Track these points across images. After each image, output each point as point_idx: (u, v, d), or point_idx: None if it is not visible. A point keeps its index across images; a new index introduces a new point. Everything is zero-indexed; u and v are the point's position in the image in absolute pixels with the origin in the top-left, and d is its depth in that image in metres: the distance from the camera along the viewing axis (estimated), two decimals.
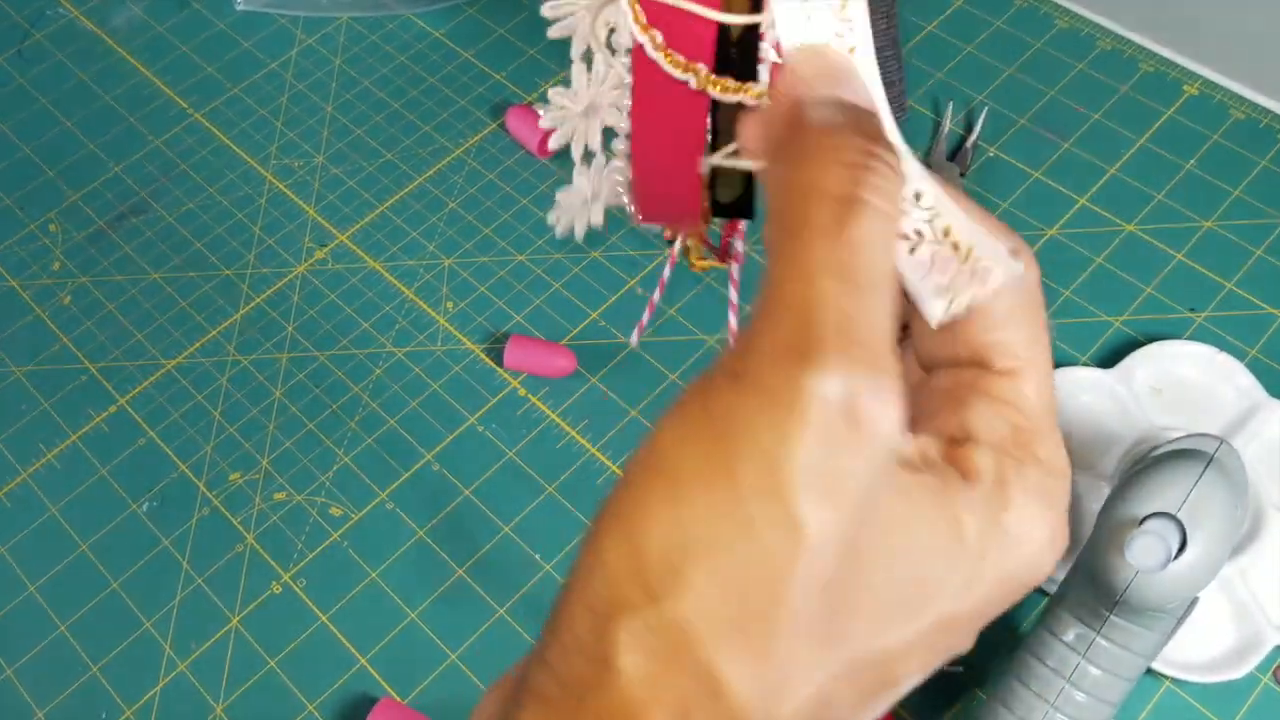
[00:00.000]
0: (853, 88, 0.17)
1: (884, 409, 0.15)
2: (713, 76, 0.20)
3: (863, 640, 0.15)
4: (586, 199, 0.26)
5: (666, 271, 0.29)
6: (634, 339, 0.35)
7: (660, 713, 0.15)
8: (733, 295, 0.27)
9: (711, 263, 0.27)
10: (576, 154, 0.25)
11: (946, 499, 0.16)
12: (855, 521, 0.15)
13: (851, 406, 0.14)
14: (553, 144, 0.26)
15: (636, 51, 0.21)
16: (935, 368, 0.18)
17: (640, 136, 0.22)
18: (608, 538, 0.16)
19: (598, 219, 0.26)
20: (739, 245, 0.26)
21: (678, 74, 0.20)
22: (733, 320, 0.27)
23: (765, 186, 0.17)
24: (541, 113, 0.25)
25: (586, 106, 0.24)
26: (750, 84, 0.20)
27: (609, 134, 0.24)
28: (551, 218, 0.27)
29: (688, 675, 0.15)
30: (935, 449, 0.17)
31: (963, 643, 0.17)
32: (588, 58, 0.23)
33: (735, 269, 0.26)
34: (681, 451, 0.15)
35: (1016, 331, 0.18)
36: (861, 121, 0.16)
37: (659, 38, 0.20)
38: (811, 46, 0.19)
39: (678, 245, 0.27)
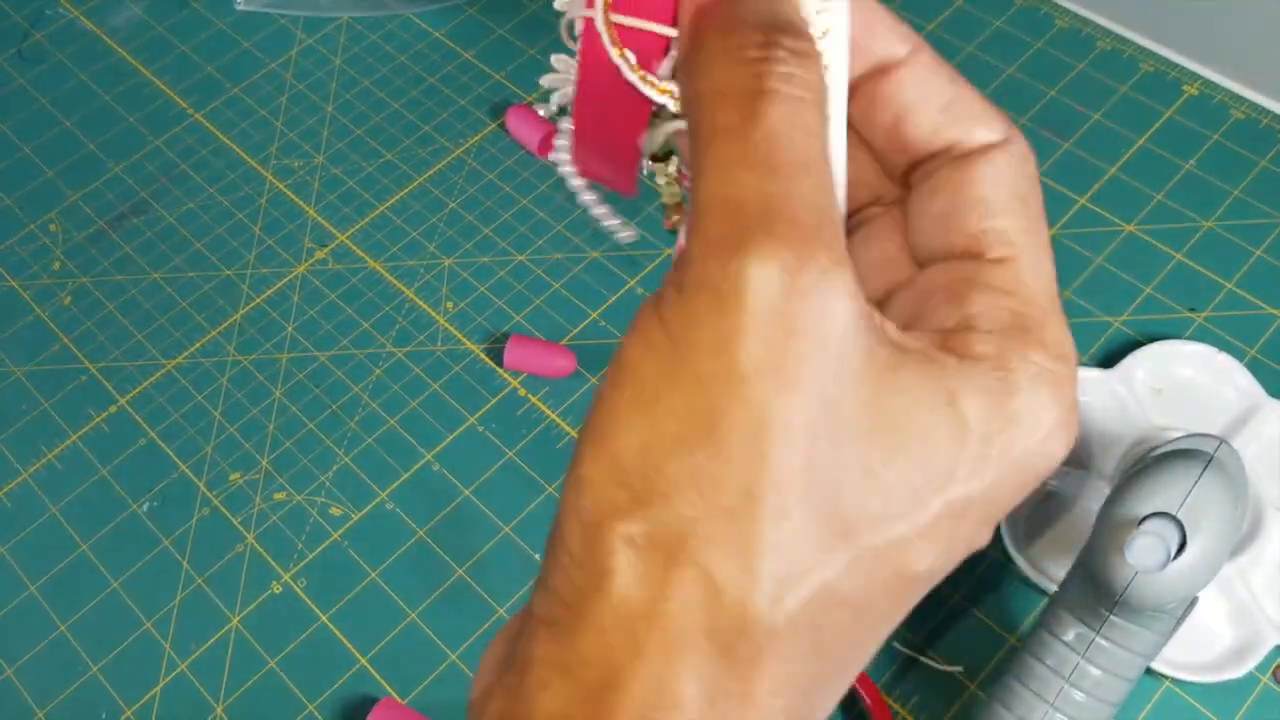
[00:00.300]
0: None
1: (830, 283, 0.14)
2: (642, 72, 0.20)
3: (867, 531, 0.15)
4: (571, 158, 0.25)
5: (678, 247, 0.28)
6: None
7: (660, 615, 0.15)
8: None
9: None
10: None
11: (939, 379, 0.16)
12: (823, 402, 0.14)
13: (791, 286, 0.14)
14: (554, 104, 0.25)
15: (587, 25, 0.20)
16: (929, 262, 0.18)
17: (582, 105, 0.21)
18: (587, 451, 0.16)
19: (578, 184, 0.25)
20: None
21: (614, 55, 0.19)
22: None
23: (679, 77, 0.17)
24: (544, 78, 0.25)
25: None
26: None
27: None
28: (552, 157, 0.26)
29: (684, 573, 0.15)
30: (927, 339, 0.16)
31: (979, 533, 0.16)
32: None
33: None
34: (644, 361, 0.15)
35: (1011, 219, 0.17)
36: (760, 11, 0.16)
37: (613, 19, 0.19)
38: None
39: (682, 235, 0.27)
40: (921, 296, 0.18)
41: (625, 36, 0.19)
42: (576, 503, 0.16)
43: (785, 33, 0.16)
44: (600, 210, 0.25)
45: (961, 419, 0.16)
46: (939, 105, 0.19)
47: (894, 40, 0.18)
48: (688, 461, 0.15)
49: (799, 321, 0.14)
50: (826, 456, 0.15)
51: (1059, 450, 0.16)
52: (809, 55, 0.16)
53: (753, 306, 0.14)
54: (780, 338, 0.14)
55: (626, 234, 0.25)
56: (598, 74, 0.20)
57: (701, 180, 0.15)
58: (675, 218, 0.26)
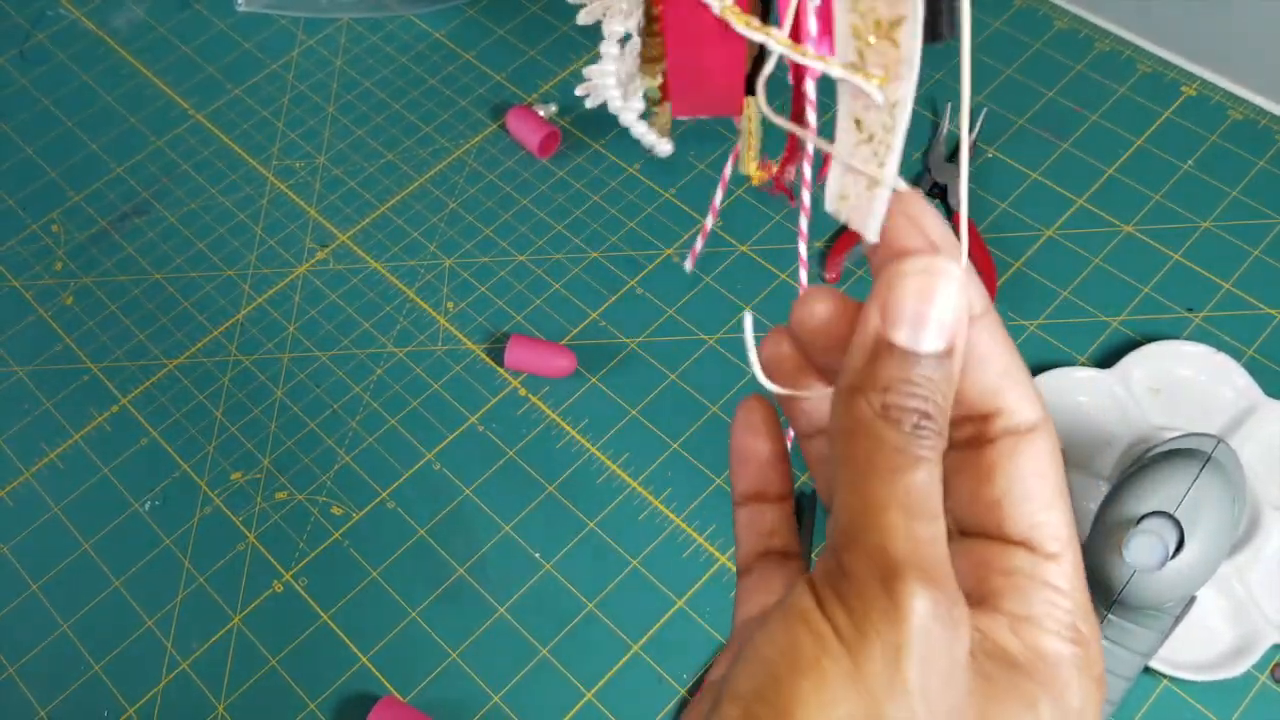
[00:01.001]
0: (937, 311, 0.19)
1: (960, 614, 0.18)
2: (735, 7, 0.20)
3: None
4: (620, 80, 0.25)
5: (719, 195, 0.28)
6: (689, 264, 0.34)
7: None
8: (802, 250, 0.26)
9: (767, 177, 0.26)
10: (610, 30, 0.24)
11: (1023, 687, 0.19)
12: (955, 713, 0.18)
13: (937, 616, 0.18)
14: (581, 19, 0.25)
15: None
16: (973, 532, 0.21)
17: (675, 21, 0.22)
18: (763, 712, 0.18)
19: (623, 105, 0.25)
20: (801, 175, 0.25)
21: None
22: (803, 276, 0.26)
23: (835, 404, 0.20)
24: None
25: None
26: (772, 29, 0.20)
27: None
28: (580, 91, 0.26)
29: None
30: (1008, 639, 0.20)
31: None
32: None
33: (804, 221, 0.26)
34: (822, 659, 0.18)
35: (1059, 513, 0.20)
36: (932, 387, 0.19)
37: None
38: (937, 274, 0.19)
39: (729, 166, 0.26)
40: (980, 572, 0.20)
41: None
42: None
43: (935, 419, 0.19)
44: (640, 128, 0.25)
45: (1037, 714, 0.19)
46: (999, 369, 0.20)
47: (976, 294, 0.20)
48: None
49: (941, 645, 0.18)
50: None
51: None
52: (944, 433, 0.19)
53: (913, 630, 0.18)
54: (930, 657, 0.18)
55: (665, 148, 0.26)
56: (685, 18, 0.21)
57: (861, 506, 0.18)
58: (760, 174, 0.26)
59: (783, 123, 0.22)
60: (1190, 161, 0.62)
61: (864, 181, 0.22)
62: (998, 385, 0.20)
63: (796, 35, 0.21)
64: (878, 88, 0.20)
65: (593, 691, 0.49)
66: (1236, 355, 0.55)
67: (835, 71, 0.20)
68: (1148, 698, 0.48)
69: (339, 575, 0.53)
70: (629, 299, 0.60)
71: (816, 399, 0.23)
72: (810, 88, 0.22)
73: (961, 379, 0.20)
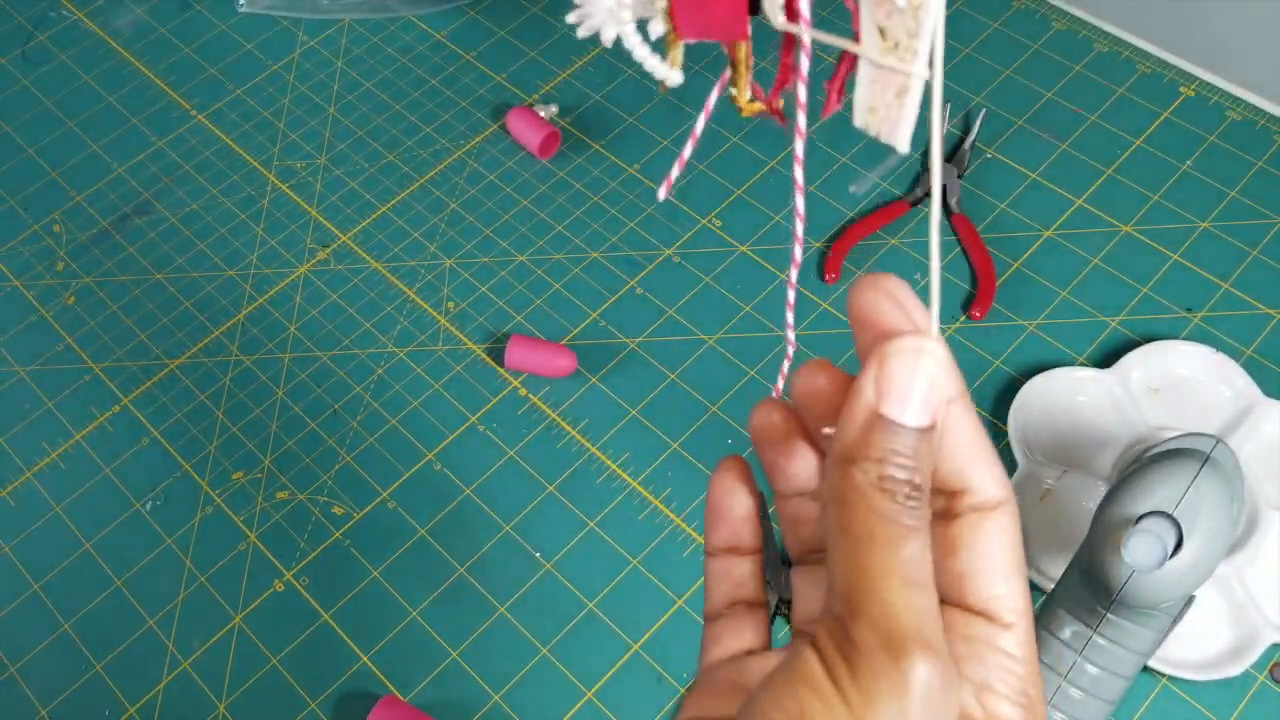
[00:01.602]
0: (924, 388, 0.21)
1: (953, 682, 0.20)
2: None
3: None
4: (611, 7, 0.24)
5: (700, 123, 0.26)
6: (661, 192, 0.33)
7: None
8: (798, 176, 0.25)
9: (760, 106, 0.25)
10: None
11: None
12: None
13: (936, 684, 0.19)
14: None
15: None
16: (944, 603, 0.22)
17: None
18: None
19: (624, 31, 0.24)
20: (795, 113, 0.24)
21: None
22: (799, 202, 0.26)
23: (830, 471, 0.21)
24: None
25: None
26: None
27: None
28: (572, 17, 0.25)
29: None
30: (972, 704, 0.21)
31: None
32: None
33: (800, 145, 0.25)
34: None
35: (1016, 584, 0.22)
36: (919, 460, 0.20)
37: None
38: (922, 354, 0.20)
39: (714, 94, 0.25)
40: (945, 637, 0.22)
41: None
42: None
43: (922, 490, 0.20)
44: (644, 52, 0.24)
45: None
46: (969, 448, 0.21)
47: (953, 376, 0.21)
48: None
49: (940, 711, 0.19)
50: None
51: None
52: (928, 504, 0.20)
53: (916, 698, 0.19)
54: (931, 716, 0.19)
55: (673, 77, 0.25)
56: None
57: (863, 580, 0.20)
58: (751, 106, 0.25)
59: (794, 28, 0.22)
60: (1189, 162, 0.63)
61: (892, 90, 0.22)
62: (966, 463, 0.21)
63: None
64: None
65: (593, 691, 0.49)
66: (1235, 355, 0.55)
67: None
68: (1146, 697, 0.48)
69: (340, 575, 0.53)
70: (629, 299, 0.60)
71: (800, 466, 0.24)
72: (804, 3, 0.22)
73: (936, 455, 0.21)
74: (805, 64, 0.23)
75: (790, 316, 0.26)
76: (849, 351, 0.57)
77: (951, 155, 0.63)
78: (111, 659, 0.51)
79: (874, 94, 0.22)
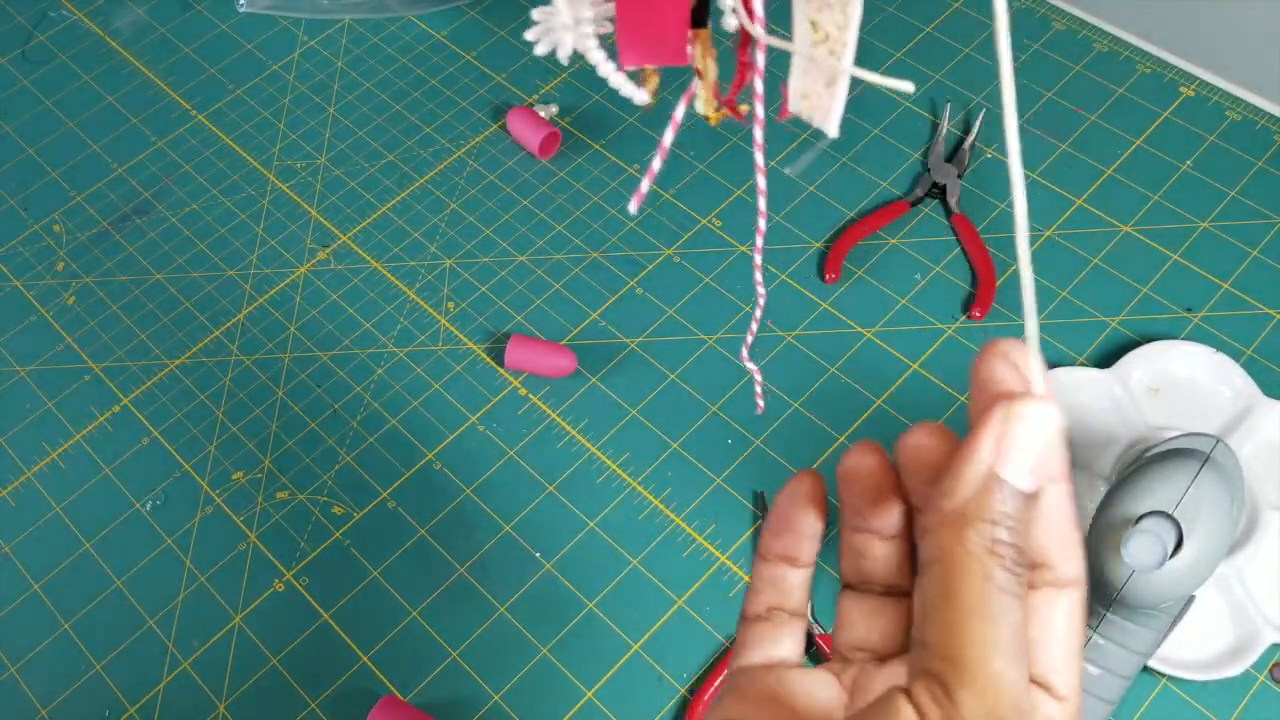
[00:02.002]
0: (1043, 454, 0.21)
1: None
2: None
3: None
4: (568, 24, 0.25)
5: (668, 135, 0.27)
6: (633, 205, 0.34)
7: None
8: (759, 159, 0.27)
9: (724, 114, 0.27)
10: None
11: None
12: None
13: None
14: None
15: None
16: None
17: (623, 8, 0.23)
18: None
19: (584, 46, 0.25)
20: (753, 104, 0.26)
21: None
22: (760, 181, 0.28)
23: (939, 527, 0.21)
24: None
25: None
26: None
27: None
28: (530, 35, 0.26)
29: None
30: None
31: None
32: None
33: (759, 132, 0.26)
34: None
35: (1075, 665, 0.22)
36: (1021, 527, 0.20)
37: None
38: (1038, 422, 0.20)
39: (681, 106, 0.26)
40: None
41: None
42: None
43: (1023, 556, 0.20)
44: (609, 69, 0.26)
45: None
46: (1058, 521, 0.22)
47: (1062, 456, 0.21)
48: None
49: None
50: None
51: None
52: (1027, 569, 0.21)
53: None
54: None
55: (640, 96, 0.26)
56: None
57: (970, 646, 0.20)
58: (716, 114, 0.27)
59: (740, 20, 0.23)
60: (1189, 162, 0.63)
61: (823, 79, 0.23)
62: (1053, 540, 0.22)
63: None
64: None
65: (593, 691, 0.49)
66: (1235, 355, 0.55)
67: None
68: (1146, 697, 0.48)
69: (340, 575, 0.53)
70: (629, 299, 0.60)
71: (883, 514, 0.25)
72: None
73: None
74: (761, 59, 0.24)
75: (759, 274, 0.28)
76: (849, 351, 0.57)
77: (951, 155, 0.63)
78: (111, 659, 0.51)
79: (806, 83, 0.24)
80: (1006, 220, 0.61)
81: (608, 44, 0.25)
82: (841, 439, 0.55)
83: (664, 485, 0.54)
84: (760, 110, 0.25)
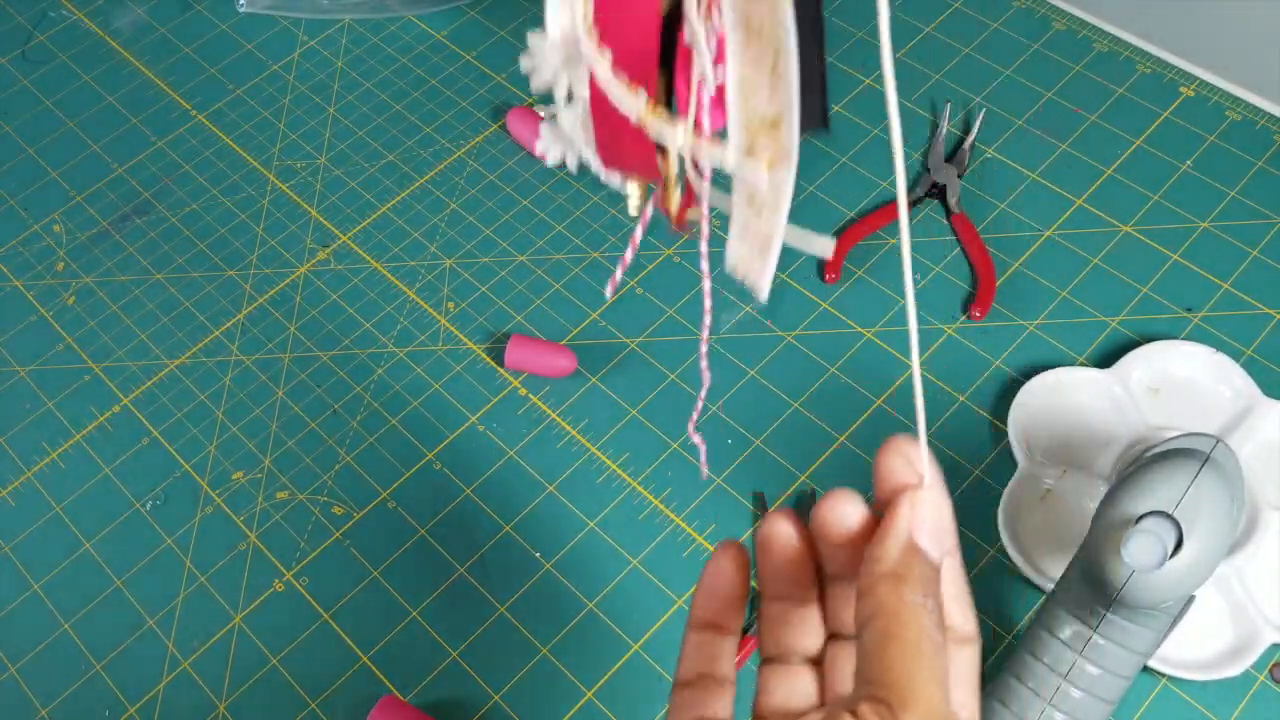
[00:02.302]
0: (946, 528, 0.26)
1: None
2: (653, 106, 0.24)
3: None
4: (574, 140, 0.29)
5: (638, 232, 0.32)
6: (608, 291, 0.38)
7: None
8: (704, 265, 0.31)
9: (691, 218, 0.30)
10: (559, 95, 0.28)
11: None
12: None
13: None
14: (534, 87, 0.28)
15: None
16: None
17: (598, 106, 0.26)
18: None
19: (588, 157, 0.29)
20: (697, 215, 0.30)
21: (626, 100, 0.24)
22: (705, 284, 0.32)
23: (878, 585, 0.24)
24: (522, 58, 0.28)
25: (566, 55, 0.26)
26: (681, 120, 0.24)
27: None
28: (540, 147, 0.30)
29: None
30: None
31: None
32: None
33: (704, 245, 0.32)
34: None
35: (972, 704, 0.26)
36: (934, 582, 0.25)
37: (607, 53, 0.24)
38: (937, 506, 0.25)
39: (649, 207, 0.30)
40: None
41: (616, 57, 0.24)
42: None
43: (942, 617, 0.24)
44: (605, 174, 0.30)
45: None
46: (953, 585, 0.26)
47: (948, 536, 0.26)
48: None
49: None
50: None
51: None
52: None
53: None
54: None
55: (632, 200, 0.30)
56: (601, 99, 0.25)
57: (912, 680, 0.23)
58: (682, 220, 0.31)
59: (696, 181, 0.27)
60: (1189, 162, 0.63)
61: (757, 245, 0.26)
62: (951, 602, 0.26)
63: (697, 125, 0.26)
64: (765, 172, 0.24)
65: (593, 691, 0.49)
66: (1235, 355, 0.55)
67: (730, 160, 0.25)
68: (1146, 697, 0.48)
69: (340, 575, 0.53)
70: (629, 299, 0.60)
71: (799, 574, 0.28)
72: (705, 164, 0.26)
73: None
74: (705, 205, 0.28)
75: (704, 362, 0.32)
76: (849, 351, 0.57)
77: (952, 155, 0.63)
78: (111, 659, 0.51)
79: (741, 247, 0.28)
80: (1007, 220, 0.61)
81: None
82: (841, 439, 0.55)
83: (664, 485, 0.54)
84: (705, 228, 0.30)
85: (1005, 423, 0.54)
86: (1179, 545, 0.40)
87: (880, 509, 0.26)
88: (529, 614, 0.51)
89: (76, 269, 0.64)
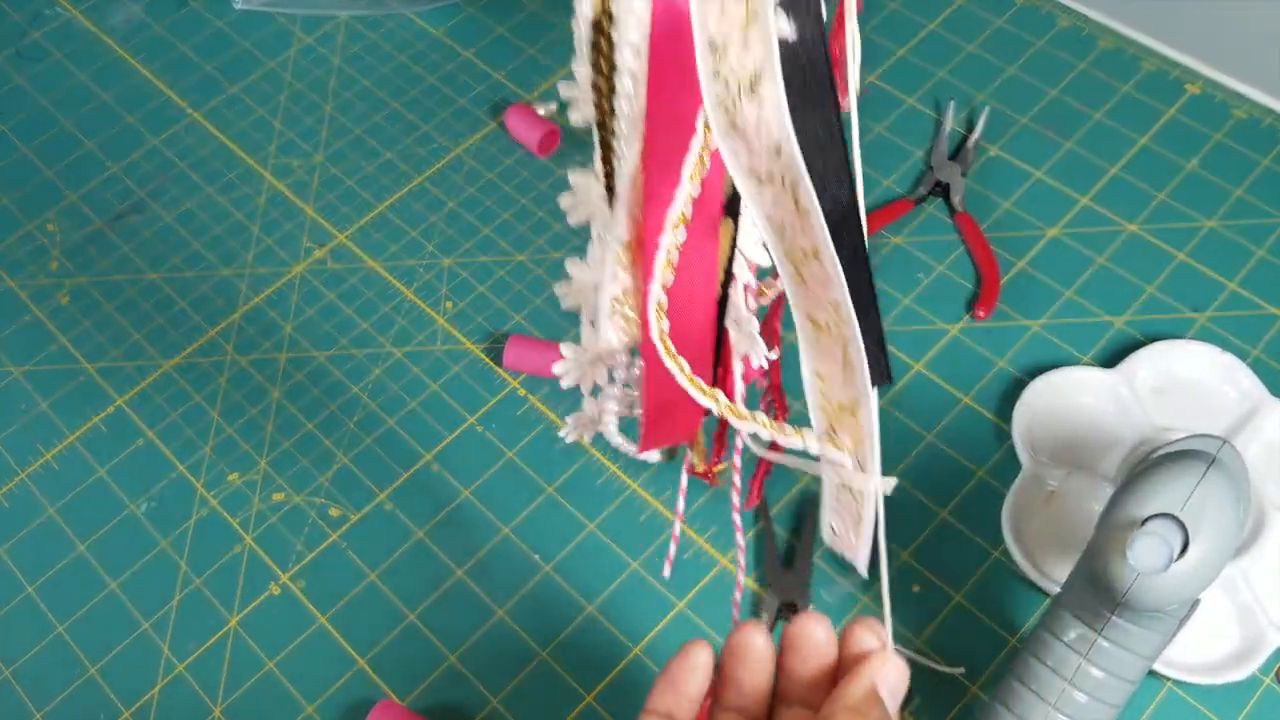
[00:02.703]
0: (901, 688, 0.29)
1: None
2: (731, 405, 0.27)
3: None
4: (594, 418, 0.35)
5: (680, 503, 0.39)
6: (666, 571, 0.49)
7: None
8: (736, 519, 0.37)
9: (722, 466, 0.35)
10: (585, 389, 0.33)
11: None
12: None
13: None
14: (564, 384, 0.35)
15: (645, 342, 0.28)
16: None
17: (651, 402, 0.30)
18: None
19: (607, 430, 0.35)
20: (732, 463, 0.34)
21: (692, 391, 0.27)
22: (737, 519, 0.37)
23: (830, 709, 0.28)
24: (558, 360, 0.34)
25: (593, 356, 0.32)
26: (758, 414, 0.28)
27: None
28: (563, 432, 0.36)
29: None
30: None
31: None
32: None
33: (735, 497, 0.36)
34: None
35: None
36: None
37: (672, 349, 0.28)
38: (901, 670, 0.29)
39: (684, 476, 0.36)
40: None
41: (678, 348, 0.28)
42: None
43: None
44: (623, 443, 0.36)
45: None
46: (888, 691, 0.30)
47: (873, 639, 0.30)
48: None
49: None
50: None
51: None
52: None
53: None
54: None
55: (652, 455, 0.36)
56: (660, 376, 0.28)
57: None
58: (714, 471, 0.37)
59: (762, 452, 0.32)
60: (1194, 160, 0.62)
61: (850, 519, 0.28)
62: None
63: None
64: (849, 455, 0.26)
65: (592, 695, 0.49)
66: (1241, 355, 0.55)
67: (812, 444, 0.27)
68: (1151, 700, 0.47)
69: (337, 577, 0.52)
70: None
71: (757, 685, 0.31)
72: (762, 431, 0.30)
73: None
74: (738, 454, 0.33)
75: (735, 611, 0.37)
76: None
77: (956, 153, 0.63)
78: (106, 661, 0.51)
79: (836, 520, 0.29)
80: (1011, 219, 0.61)
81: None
82: None
83: (664, 487, 0.54)
84: (737, 479, 0.34)
85: (1009, 423, 0.53)
86: (1185, 548, 0.40)
87: (842, 665, 0.30)
88: (527, 617, 0.51)
89: (71, 268, 0.63)
